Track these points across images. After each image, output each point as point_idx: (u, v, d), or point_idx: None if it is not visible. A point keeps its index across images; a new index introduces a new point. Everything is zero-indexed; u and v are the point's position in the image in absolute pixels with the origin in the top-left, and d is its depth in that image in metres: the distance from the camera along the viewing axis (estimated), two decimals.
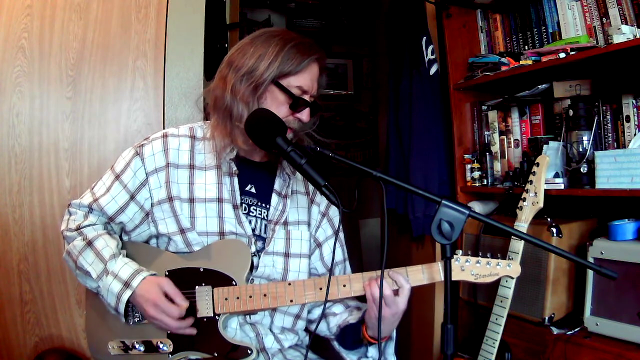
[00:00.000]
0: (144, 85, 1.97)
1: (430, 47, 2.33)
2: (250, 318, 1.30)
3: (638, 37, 1.58)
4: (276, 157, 1.34)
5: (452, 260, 1.19)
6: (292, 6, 3.95)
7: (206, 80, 2.05)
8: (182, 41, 2.00)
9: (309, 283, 1.24)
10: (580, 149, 1.75)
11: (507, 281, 1.69)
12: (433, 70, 2.33)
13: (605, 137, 1.79)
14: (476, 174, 2.21)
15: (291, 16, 4.02)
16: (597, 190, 1.67)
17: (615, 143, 1.77)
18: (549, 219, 1.76)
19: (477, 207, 2.19)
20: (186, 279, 1.25)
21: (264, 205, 1.35)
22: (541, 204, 1.68)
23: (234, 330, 1.28)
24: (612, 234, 1.62)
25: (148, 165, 1.28)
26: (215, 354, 1.23)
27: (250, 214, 1.33)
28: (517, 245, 1.68)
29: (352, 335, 1.31)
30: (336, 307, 1.40)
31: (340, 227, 1.34)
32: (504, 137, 2.18)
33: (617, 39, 1.60)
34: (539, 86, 1.97)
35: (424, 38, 2.34)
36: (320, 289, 1.23)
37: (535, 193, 1.69)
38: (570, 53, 1.72)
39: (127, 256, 1.28)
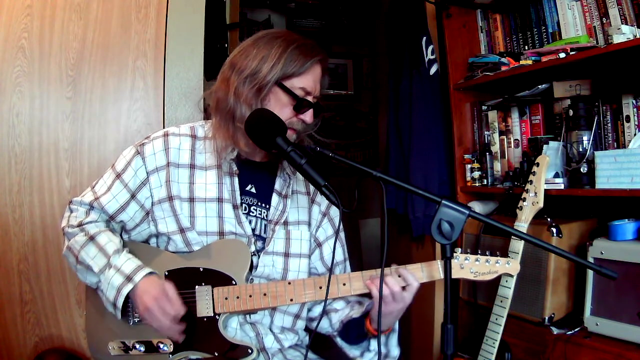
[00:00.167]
0: (144, 85, 1.97)
1: (430, 47, 2.33)
2: (250, 317, 1.30)
3: (638, 37, 1.58)
4: (277, 157, 1.34)
5: (452, 258, 1.19)
6: (292, 6, 3.95)
7: (206, 80, 2.05)
8: (182, 41, 2.00)
9: (308, 282, 1.24)
10: (580, 149, 1.75)
11: (507, 281, 1.69)
12: (433, 70, 2.33)
13: (605, 137, 1.79)
14: (476, 174, 2.21)
15: (291, 16, 4.02)
16: (597, 190, 1.67)
17: (615, 143, 1.78)
18: (549, 219, 1.76)
19: (477, 207, 2.19)
20: (186, 278, 1.25)
21: (264, 205, 1.35)
22: (541, 204, 1.68)
23: (234, 330, 1.28)
24: (612, 234, 1.62)
25: (149, 164, 1.28)
26: (216, 354, 1.23)
27: (251, 214, 1.33)
28: (517, 245, 1.68)
29: (355, 330, 1.31)
30: (337, 304, 1.40)
31: (341, 226, 1.35)
32: (504, 137, 2.18)
33: (617, 39, 1.60)
34: (539, 86, 1.97)
35: (424, 38, 2.34)
36: (320, 287, 1.23)
37: (535, 193, 1.69)
38: (570, 53, 1.72)
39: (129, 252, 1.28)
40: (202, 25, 2.03)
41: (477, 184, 2.21)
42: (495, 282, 1.73)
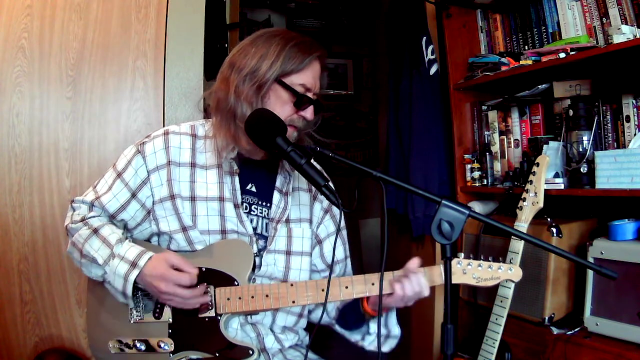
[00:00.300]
0: (144, 85, 1.97)
1: (430, 47, 2.33)
2: (251, 318, 1.30)
3: (638, 37, 1.58)
4: (277, 157, 1.34)
5: (454, 264, 1.20)
6: (292, 6, 3.95)
7: (206, 80, 2.05)
8: (182, 41, 2.00)
9: (311, 284, 1.24)
10: (580, 149, 1.75)
11: (507, 281, 1.69)
12: (433, 70, 2.33)
13: (605, 137, 1.79)
14: (476, 174, 2.21)
15: (291, 16, 4.02)
16: (597, 190, 1.67)
17: (615, 143, 1.77)
18: (549, 219, 1.76)
19: (477, 207, 2.19)
20: None
21: (265, 203, 1.35)
22: (541, 204, 1.68)
23: (235, 330, 1.28)
24: (612, 234, 1.62)
25: (149, 163, 1.28)
26: (217, 354, 1.23)
27: (252, 212, 1.33)
28: (517, 245, 1.68)
29: (352, 314, 1.32)
30: None
31: (343, 224, 1.34)
32: (504, 137, 2.18)
33: (617, 39, 1.60)
34: (539, 86, 1.97)
35: (424, 38, 2.34)
36: (323, 290, 1.22)
37: (535, 193, 1.69)
38: (570, 53, 1.72)
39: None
40: (202, 25, 2.03)
41: (477, 184, 2.21)
42: None
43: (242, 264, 1.25)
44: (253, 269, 1.27)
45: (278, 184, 1.36)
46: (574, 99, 1.84)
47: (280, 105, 1.24)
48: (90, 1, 1.91)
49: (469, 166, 2.25)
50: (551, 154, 1.80)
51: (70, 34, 1.89)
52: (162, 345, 1.24)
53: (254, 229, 1.32)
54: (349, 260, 1.48)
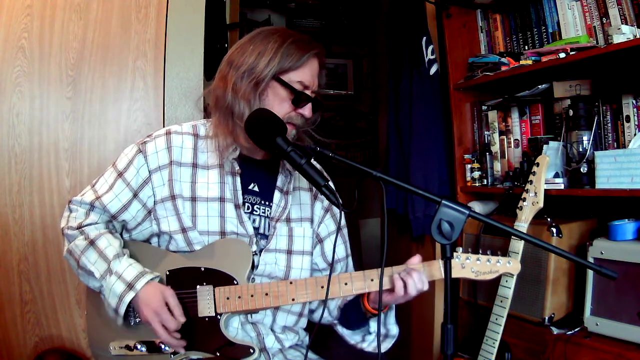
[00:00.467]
0: (144, 85, 1.97)
1: (430, 47, 2.33)
2: (251, 317, 1.30)
3: (638, 37, 1.58)
4: (278, 157, 1.34)
5: (452, 258, 1.20)
6: (292, 6, 3.95)
7: (206, 80, 2.05)
8: (182, 41, 2.00)
9: (310, 282, 1.24)
10: (580, 149, 1.75)
11: (507, 281, 1.69)
12: (433, 70, 2.33)
13: (605, 137, 1.79)
14: (476, 174, 2.21)
15: (291, 16, 4.02)
16: (597, 190, 1.67)
17: (615, 143, 1.78)
18: (549, 219, 1.76)
19: (477, 207, 2.19)
20: (187, 278, 1.25)
21: (266, 203, 1.35)
22: (541, 204, 1.68)
23: (235, 330, 1.28)
24: (612, 234, 1.62)
25: (151, 162, 1.28)
26: (217, 354, 1.23)
27: (254, 212, 1.33)
28: (517, 245, 1.68)
29: (354, 313, 1.32)
30: None
31: (343, 222, 1.34)
32: (504, 137, 2.18)
33: (617, 39, 1.60)
34: (539, 86, 1.97)
35: (424, 38, 2.34)
36: (322, 287, 1.23)
37: (535, 193, 1.69)
38: (570, 53, 1.72)
39: (130, 256, 1.28)
40: (202, 25, 2.03)
41: (477, 184, 2.21)
42: (495, 282, 1.73)
43: (241, 263, 1.25)
44: (252, 268, 1.27)
45: (279, 183, 1.36)
46: (574, 99, 1.84)
47: (278, 103, 1.24)
48: (90, 1, 1.91)
49: (469, 166, 2.25)
50: (551, 154, 1.80)
51: (70, 34, 1.89)
52: (163, 346, 1.24)
53: (257, 228, 1.32)
54: (350, 259, 1.48)
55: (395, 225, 2.64)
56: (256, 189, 1.34)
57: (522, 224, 1.70)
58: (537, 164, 1.71)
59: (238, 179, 1.31)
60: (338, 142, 4.05)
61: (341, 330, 1.38)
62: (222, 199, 1.29)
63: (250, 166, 1.33)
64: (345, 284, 1.23)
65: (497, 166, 2.20)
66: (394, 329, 1.34)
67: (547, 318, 1.73)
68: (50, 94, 1.88)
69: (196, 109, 1.99)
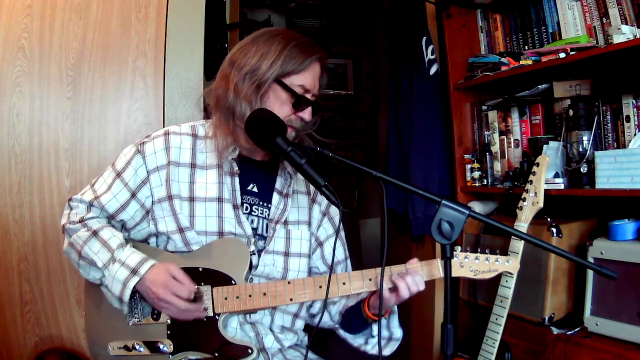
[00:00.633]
0: (144, 85, 1.97)
1: (430, 47, 2.33)
2: (250, 317, 1.30)
3: (638, 37, 1.58)
4: (277, 157, 1.34)
5: (452, 258, 1.20)
6: (292, 6, 3.95)
7: (206, 80, 2.05)
8: (182, 41, 2.00)
9: (308, 281, 1.24)
10: (580, 149, 1.75)
11: (507, 281, 1.69)
12: (433, 70, 2.33)
13: (605, 137, 1.79)
14: (476, 174, 2.21)
15: (291, 16, 4.02)
16: (597, 190, 1.67)
17: (615, 143, 1.77)
18: (549, 219, 1.76)
19: (477, 207, 2.19)
20: None
21: (265, 204, 1.35)
22: (541, 204, 1.68)
23: (234, 330, 1.28)
24: (612, 234, 1.62)
25: (149, 163, 1.28)
26: (216, 354, 1.23)
27: (252, 213, 1.33)
28: (517, 245, 1.68)
29: (356, 319, 1.32)
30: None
31: (341, 225, 1.35)
32: (504, 137, 2.18)
33: (617, 39, 1.60)
34: (539, 86, 1.97)
35: (424, 38, 2.34)
36: (320, 287, 1.23)
37: (535, 193, 1.69)
38: (570, 53, 1.72)
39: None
40: (202, 25, 2.03)
41: (477, 184, 2.21)
42: (496, 282, 1.73)
43: (238, 263, 1.25)
44: (250, 269, 1.27)
45: (278, 185, 1.36)
46: (574, 99, 1.84)
47: (278, 105, 1.25)
48: (90, 1, 1.91)
49: (469, 166, 2.25)
50: (551, 154, 1.80)
51: (70, 34, 1.89)
52: (162, 346, 1.24)
53: (255, 229, 1.32)
54: (349, 261, 1.48)
55: (395, 225, 2.64)
56: (255, 189, 1.34)
57: (522, 224, 1.70)
58: (537, 164, 1.71)
59: (237, 180, 1.31)
60: (338, 142, 4.05)
61: (343, 334, 1.38)
62: (220, 199, 1.29)
63: (250, 167, 1.33)
64: (344, 283, 1.23)
65: (497, 166, 2.20)
66: (398, 332, 1.34)
67: (547, 318, 1.73)
68: (50, 94, 1.88)
69: (196, 109, 1.99)
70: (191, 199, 1.28)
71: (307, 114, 1.27)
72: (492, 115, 2.22)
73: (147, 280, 1.19)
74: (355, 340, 1.36)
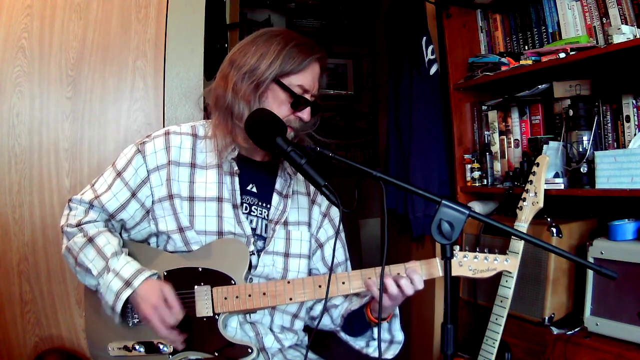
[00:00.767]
0: (144, 85, 1.97)
1: (430, 47, 2.33)
2: (250, 317, 1.30)
3: (638, 37, 1.58)
4: (277, 157, 1.34)
5: (452, 258, 1.20)
6: (292, 6, 3.95)
7: (206, 80, 2.05)
8: (182, 41, 2.00)
9: (308, 281, 1.24)
10: (580, 149, 1.75)
11: (507, 281, 1.69)
12: (433, 70, 2.33)
13: (605, 137, 1.79)
14: (476, 174, 2.21)
15: (291, 16, 4.02)
16: (597, 190, 1.67)
17: (615, 143, 1.77)
18: (549, 219, 1.76)
19: (477, 207, 2.19)
20: (185, 278, 1.25)
21: (264, 204, 1.35)
22: (541, 204, 1.68)
23: (234, 330, 1.28)
24: (612, 234, 1.62)
25: (150, 162, 1.28)
26: (216, 354, 1.23)
27: (252, 213, 1.33)
28: (517, 245, 1.68)
29: (358, 322, 1.32)
30: (336, 299, 1.41)
31: (342, 227, 1.35)
32: (504, 137, 2.18)
33: (617, 39, 1.60)
34: (539, 86, 1.97)
35: (424, 38, 2.34)
36: (319, 286, 1.23)
37: (535, 193, 1.69)
38: (570, 53, 1.72)
39: (128, 255, 1.27)
40: (202, 25, 2.03)
41: (477, 184, 2.21)
42: (496, 282, 1.73)
43: (238, 263, 1.25)
44: (249, 268, 1.27)
45: (277, 186, 1.36)
46: (574, 99, 1.84)
47: (277, 105, 1.25)
48: (90, 1, 1.91)
49: (469, 166, 2.25)
50: (551, 154, 1.80)
51: (70, 34, 1.89)
52: (161, 347, 1.24)
53: (254, 229, 1.32)
54: (349, 263, 1.48)
55: (395, 225, 2.64)
56: (254, 190, 1.34)
57: (522, 224, 1.70)
58: (537, 164, 1.71)
59: (236, 179, 1.31)
60: (338, 142, 4.05)
61: (345, 336, 1.38)
62: (219, 199, 1.29)
63: (249, 167, 1.33)
64: (343, 283, 1.23)
65: (497, 166, 2.20)
66: (399, 335, 1.34)
67: (547, 318, 1.73)
68: (50, 94, 1.88)
69: (196, 109, 1.99)
70: (191, 199, 1.28)
71: (305, 114, 1.27)
72: (492, 115, 2.23)
73: (138, 295, 1.19)
74: (357, 343, 1.36)
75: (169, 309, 1.18)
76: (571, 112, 1.79)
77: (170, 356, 1.24)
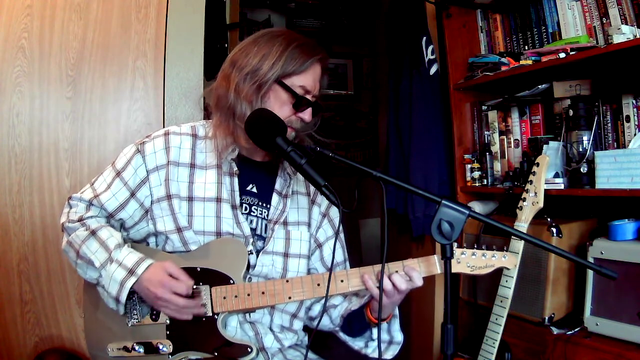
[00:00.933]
0: (144, 85, 1.97)
1: (430, 47, 2.33)
2: (250, 317, 1.30)
3: (638, 37, 1.58)
4: (277, 157, 1.34)
5: (452, 258, 1.20)
6: (292, 6, 3.95)
7: (206, 80, 2.05)
8: (182, 41, 2.00)
9: (306, 280, 1.24)
10: (580, 149, 1.75)
11: (507, 281, 1.69)
12: (433, 70, 2.33)
13: (605, 137, 1.79)
14: (476, 174, 2.21)
15: (291, 16, 4.02)
16: (597, 190, 1.67)
17: (615, 143, 1.77)
18: (549, 219, 1.76)
19: (477, 207, 2.19)
20: None
21: (264, 205, 1.35)
22: (541, 204, 1.68)
23: (234, 329, 1.28)
24: (612, 234, 1.62)
25: (149, 162, 1.28)
26: (215, 353, 1.23)
27: (252, 213, 1.33)
28: (517, 245, 1.68)
29: (357, 322, 1.32)
30: (335, 299, 1.41)
31: (341, 227, 1.35)
32: (504, 137, 2.18)
33: (617, 39, 1.60)
34: (539, 86, 1.97)
35: (424, 38, 2.34)
36: (318, 285, 1.23)
37: (535, 193, 1.69)
38: (570, 53, 1.72)
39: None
40: (202, 25, 2.03)
41: (477, 184, 2.21)
42: (496, 282, 1.73)
43: (237, 263, 1.25)
44: (248, 268, 1.27)
45: (277, 186, 1.36)
46: (574, 99, 1.84)
47: (279, 106, 1.25)
48: (90, 1, 1.91)
49: (469, 166, 2.25)
50: (551, 154, 1.80)
51: (70, 34, 1.89)
52: (161, 347, 1.24)
53: (254, 229, 1.32)
54: (348, 264, 1.48)
55: (395, 225, 2.64)
56: (254, 190, 1.34)
57: (522, 224, 1.70)
58: (537, 164, 1.71)
59: (236, 180, 1.31)
60: (338, 142, 4.05)
61: (344, 337, 1.38)
62: (218, 200, 1.29)
63: (249, 167, 1.33)
64: (342, 281, 1.23)
65: (497, 166, 2.20)
66: (399, 336, 1.34)
67: (547, 318, 1.73)
68: (50, 94, 1.88)
69: (196, 109, 1.99)
70: (190, 199, 1.28)
71: (307, 114, 1.27)
72: (492, 115, 2.23)
73: (144, 280, 1.18)
74: (355, 343, 1.36)
75: (176, 281, 1.18)
76: (571, 112, 1.79)
77: (170, 356, 1.24)
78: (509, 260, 1.25)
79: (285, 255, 1.34)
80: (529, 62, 1.88)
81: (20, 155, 1.85)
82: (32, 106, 1.86)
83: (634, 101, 1.71)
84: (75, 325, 1.90)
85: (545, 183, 1.72)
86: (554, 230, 1.72)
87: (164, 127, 1.93)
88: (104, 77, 1.93)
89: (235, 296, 1.23)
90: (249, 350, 1.22)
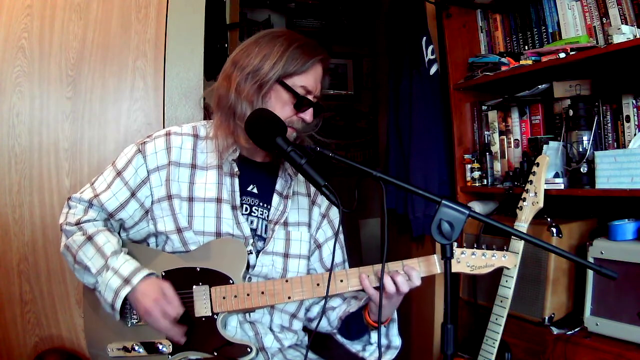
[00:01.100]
0: (144, 85, 1.97)
1: (430, 47, 2.33)
2: (249, 316, 1.30)
3: (638, 37, 1.58)
4: (278, 158, 1.34)
5: (452, 258, 1.20)
6: (292, 6, 3.95)
7: (206, 80, 2.05)
8: (182, 41, 2.00)
9: (306, 280, 1.24)
10: (580, 149, 1.75)
11: (507, 281, 1.69)
12: (433, 70, 2.33)
13: (605, 137, 1.79)
14: (476, 174, 2.21)
15: (291, 16, 4.02)
16: (597, 190, 1.67)
17: (615, 143, 1.77)
18: (549, 219, 1.76)
19: (477, 207, 2.19)
20: (183, 279, 1.25)
21: (265, 205, 1.35)
22: (541, 204, 1.68)
23: (234, 329, 1.28)
24: (612, 234, 1.62)
25: (150, 163, 1.28)
26: (215, 353, 1.23)
27: (252, 214, 1.33)
28: (517, 245, 1.68)
29: (355, 324, 1.32)
30: (334, 301, 1.41)
31: (340, 228, 1.35)
32: (504, 137, 2.18)
33: (617, 39, 1.60)
34: (539, 86, 1.97)
35: (424, 38, 2.34)
36: (318, 285, 1.23)
37: (535, 193, 1.69)
38: (570, 53, 1.72)
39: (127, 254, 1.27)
40: (202, 25, 2.03)
41: (477, 184, 2.21)
42: (496, 282, 1.73)
43: (236, 263, 1.25)
44: (247, 268, 1.27)
45: (278, 187, 1.36)
46: (574, 99, 1.84)
47: (280, 106, 1.25)
48: (90, 1, 1.91)
49: (469, 166, 2.25)
50: (551, 154, 1.80)
51: (70, 34, 1.89)
52: (161, 347, 1.24)
53: (254, 230, 1.32)
54: (347, 264, 1.48)
55: (395, 225, 2.64)
56: (255, 190, 1.34)
57: (522, 224, 1.70)
58: (537, 164, 1.71)
59: (236, 180, 1.31)
60: (338, 142, 4.05)
61: (341, 339, 1.38)
62: (219, 200, 1.29)
63: (250, 168, 1.33)
64: (341, 280, 1.23)
65: (497, 166, 2.20)
66: (397, 340, 1.33)
67: (547, 318, 1.73)
68: (50, 94, 1.88)
69: (197, 109, 1.99)
70: (190, 199, 1.28)
71: (308, 115, 1.27)
72: (492, 115, 2.23)
73: (138, 291, 1.19)
74: (353, 347, 1.36)
75: (168, 303, 1.18)
76: (571, 112, 1.79)
77: (170, 356, 1.24)
78: (509, 260, 1.25)
79: (285, 255, 1.34)
80: (529, 62, 1.88)
81: (20, 155, 1.85)
82: (32, 106, 1.86)
83: (634, 101, 1.71)
84: (75, 325, 1.90)
85: (545, 183, 1.72)
86: (554, 230, 1.72)
87: (164, 127, 1.94)
88: (104, 77, 1.93)
89: (235, 296, 1.23)
90: (249, 350, 1.22)
